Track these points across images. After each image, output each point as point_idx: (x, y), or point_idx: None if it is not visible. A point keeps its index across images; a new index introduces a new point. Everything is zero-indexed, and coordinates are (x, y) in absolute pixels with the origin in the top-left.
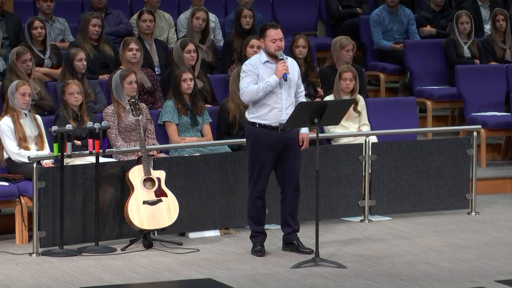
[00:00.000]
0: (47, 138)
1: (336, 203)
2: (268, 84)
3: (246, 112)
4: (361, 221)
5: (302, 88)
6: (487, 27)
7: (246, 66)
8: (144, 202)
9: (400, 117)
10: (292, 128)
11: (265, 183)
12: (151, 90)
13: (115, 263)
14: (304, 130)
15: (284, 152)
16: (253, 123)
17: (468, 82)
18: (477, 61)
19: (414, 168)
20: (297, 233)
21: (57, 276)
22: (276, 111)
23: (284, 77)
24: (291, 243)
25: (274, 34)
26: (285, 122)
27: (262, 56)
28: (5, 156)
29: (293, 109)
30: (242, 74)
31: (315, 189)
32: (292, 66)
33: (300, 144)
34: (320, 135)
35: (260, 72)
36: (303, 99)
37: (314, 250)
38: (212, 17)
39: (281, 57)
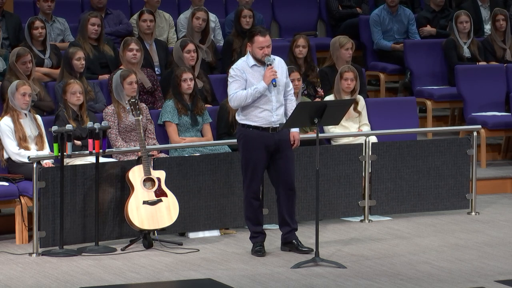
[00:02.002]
0: (47, 138)
1: (336, 203)
2: (257, 90)
3: (236, 114)
4: (361, 221)
5: (291, 86)
6: (487, 27)
7: (234, 70)
8: (144, 202)
9: (400, 117)
10: (291, 128)
11: (260, 184)
12: (151, 90)
13: (115, 263)
14: (294, 129)
15: (277, 152)
16: (244, 125)
17: (468, 82)
18: (479, 63)
19: (414, 168)
20: (296, 232)
21: (57, 276)
22: (266, 113)
23: (273, 83)
24: (289, 243)
25: (262, 41)
26: (282, 123)
27: (249, 59)
28: (5, 156)
29: (283, 109)
30: (229, 79)
31: (315, 189)
32: (280, 67)
33: (292, 143)
34: (320, 135)
35: (248, 77)
36: (292, 97)
37: (314, 250)
38: (212, 17)
39: (268, 63)
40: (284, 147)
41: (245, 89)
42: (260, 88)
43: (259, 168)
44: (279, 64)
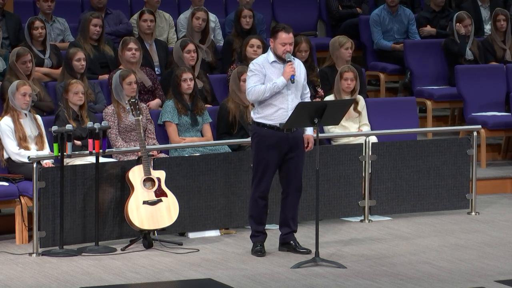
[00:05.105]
0: (47, 138)
1: (336, 203)
2: (276, 85)
3: (252, 112)
4: (361, 221)
5: (308, 89)
6: (487, 27)
7: (253, 65)
8: (144, 202)
9: (400, 117)
10: (297, 128)
11: (269, 183)
12: (152, 89)
13: (115, 263)
14: (309, 131)
15: (289, 152)
16: (259, 123)
17: (468, 82)
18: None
19: (414, 168)
20: (295, 234)
21: (57, 276)
22: (282, 112)
23: (292, 79)
24: (287, 243)
25: (285, 38)
26: (282, 123)
27: (269, 56)
28: (5, 156)
29: None
30: (249, 73)
31: (315, 189)
32: (299, 68)
33: (305, 145)
34: (320, 135)
35: (267, 72)
36: (308, 100)
37: (312, 250)
38: (212, 17)
39: (288, 59)
40: (297, 147)
41: (264, 84)
42: (279, 83)
43: (271, 168)
44: (298, 65)
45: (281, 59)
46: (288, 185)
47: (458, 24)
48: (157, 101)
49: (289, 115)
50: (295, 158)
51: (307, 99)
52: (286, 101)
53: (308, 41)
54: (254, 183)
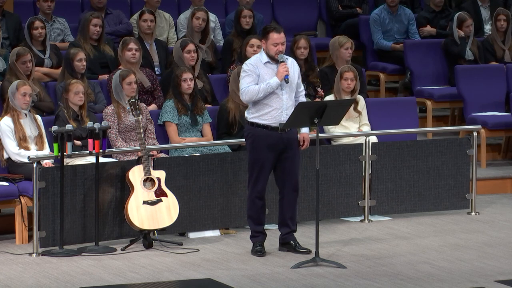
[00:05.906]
0: (47, 138)
1: (336, 203)
2: (269, 85)
3: (246, 112)
4: (361, 221)
5: (302, 87)
6: (487, 27)
7: (247, 65)
8: (144, 202)
9: (400, 117)
10: (292, 128)
11: (265, 183)
12: (151, 90)
13: (115, 263)
14: (304, 130)
15: (284, 152)
16: (253, 123)
17: (468, 82)
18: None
19: (414, 168)
20: (294, 234)
21: (57, 276)
22: (276, 112)
23: (285, 79)
24: (288, 243)
25: (277, 38)
26: (285, 122)
27: (262, 56)
28: (5, 156)
29: (293, 109)
30: (242, 74)
31: (315, 189)
32: (293, 66)
33: (301, 144)
34: (320, 135)
35: (260, 72)
36: (303, 98)
37: (312, 250)
38: (212, 17)
39: (281, 60)
40: (292, 147)
41: (257, 84)
42: (272, 84)
43: (266, 168)
44: (292, 64)
45: (274, 59)
46: (284, 185)
47: (458, 29)
48: (153, 106)
49: (284, 114)
50: (290, 158)
51: (302, 97)
52: (280, 101)
53: (307, 39)
54: (251, 184)
